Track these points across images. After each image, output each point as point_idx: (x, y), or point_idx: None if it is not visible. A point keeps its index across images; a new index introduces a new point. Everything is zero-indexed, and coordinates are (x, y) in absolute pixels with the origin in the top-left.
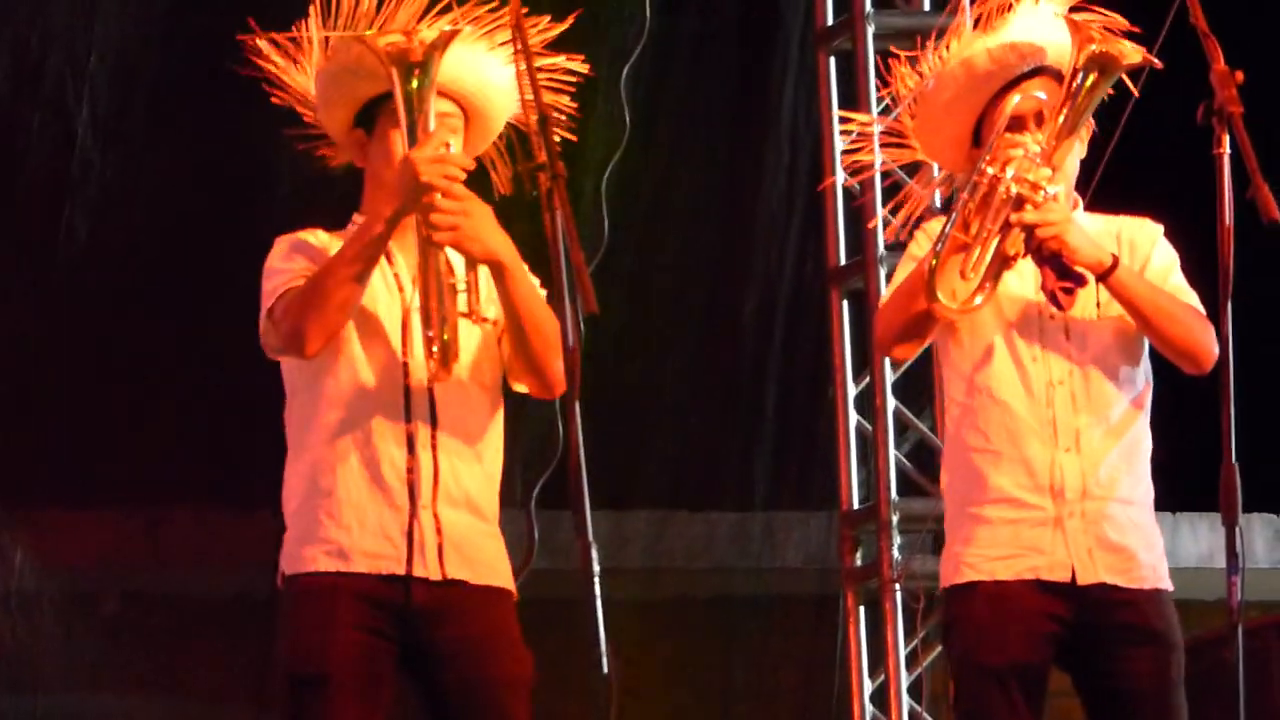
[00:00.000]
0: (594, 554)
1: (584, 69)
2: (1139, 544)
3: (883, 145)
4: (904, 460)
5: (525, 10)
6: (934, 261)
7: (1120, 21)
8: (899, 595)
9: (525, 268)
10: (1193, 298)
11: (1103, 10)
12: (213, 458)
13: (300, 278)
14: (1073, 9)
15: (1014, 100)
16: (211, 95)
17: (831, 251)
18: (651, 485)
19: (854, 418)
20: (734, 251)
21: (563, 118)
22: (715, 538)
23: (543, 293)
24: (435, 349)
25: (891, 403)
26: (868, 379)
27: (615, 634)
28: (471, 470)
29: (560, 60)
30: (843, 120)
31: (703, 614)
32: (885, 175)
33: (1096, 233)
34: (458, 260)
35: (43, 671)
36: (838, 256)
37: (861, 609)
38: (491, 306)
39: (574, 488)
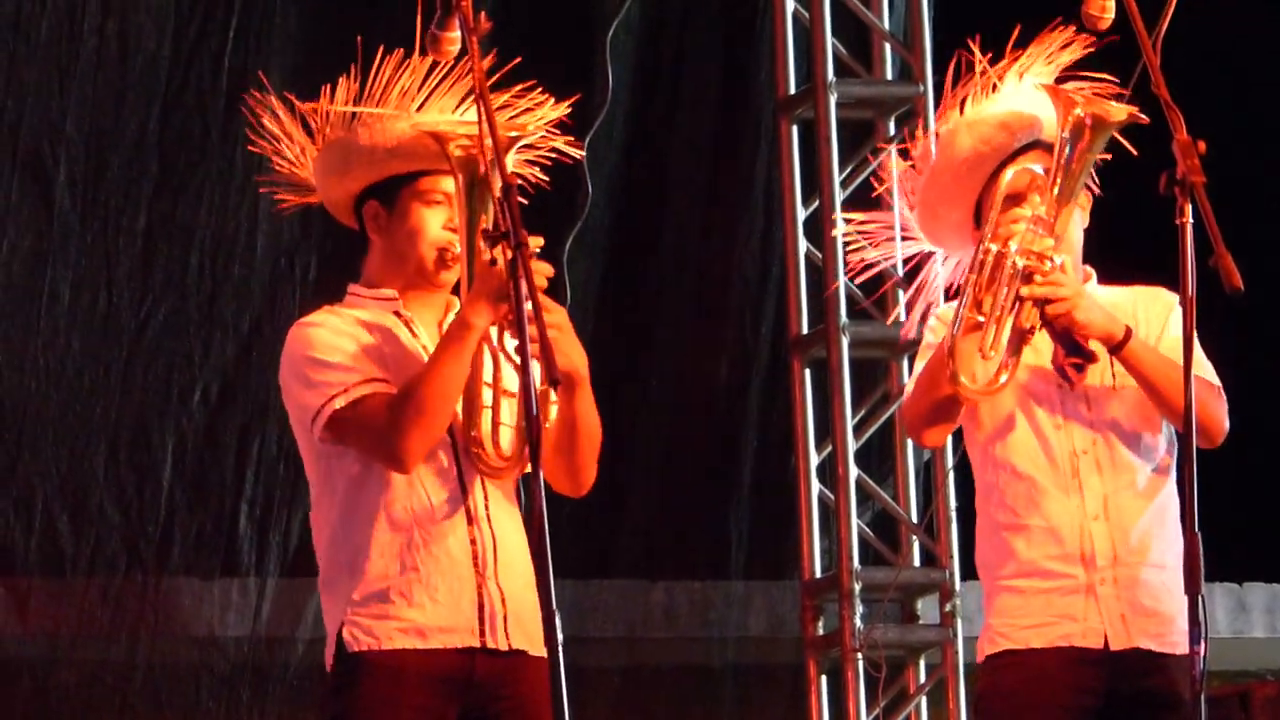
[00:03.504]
0: (558, 623)
1: (578, 154)
2: (1174, 608)
3: (885, 240)
4: (866, 529)
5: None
6: (951, 345)
7: (1109, 84)
8: (861, 664)
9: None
10: (1208, 370)
11: (1090, 75)
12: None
13: (371, 379)
14: (1059, 79)
15: (1008, 175)
16: (191, 154)
17: (794, 320)
18: (624, 554)
19: (816, 487)
20: (708, 318)
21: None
22: (688, 606)
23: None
24: (522, 447)
25: (854, 472)
26: (830, 448)
27: (588, 702)
28: (521, 539)
29: (556, 141)
30: (846, 221)
31: (675, 683)
32: (847, 244)
33: (1111, 304)
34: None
35: None
36: (800, 325)
37: (824, 678)
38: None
39: (537, 556)
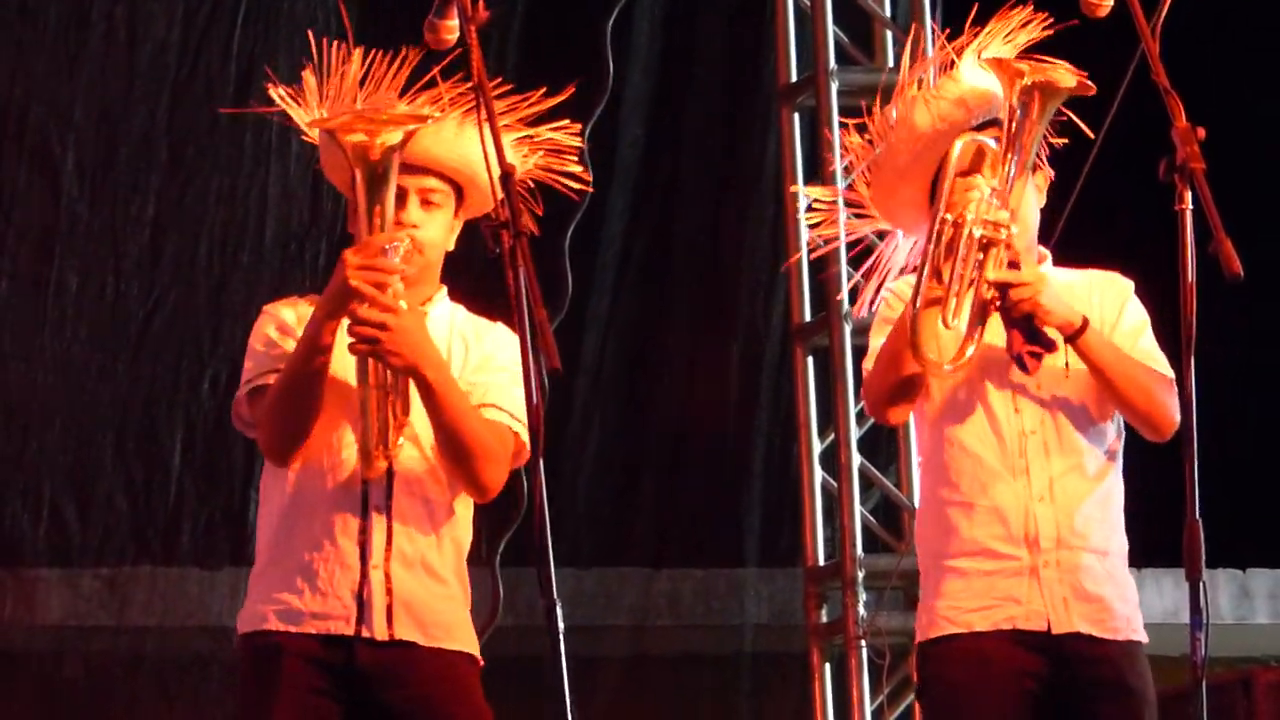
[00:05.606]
0: (558, 612)
1: (576, 142)
2: (1114, 595)
3: (848, 214)
4: (869, 517)
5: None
6: (912, 319)
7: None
8: (864, 651)
9: (450, 379)
10: (1161, 362)
11: (1045, 59)
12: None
13: (272, 370)
14: (1018, 58)
15: (958, 145)
16: (199, 142)
17: (795, 308)
18: (636, 542)
19: (819, 474)
20: (720, 305)
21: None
22: (700, 593)
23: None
24: (363, 449)
25: (856, 459)
26: (832, 436)
27: (600, 690)
28: (429, 534)
29: (552, 132)
30: (807, 196)
31: (689, 671)
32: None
33: (1067, 286)
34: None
35: None
36: (802, 313)
37: (828, 665)
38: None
39: (538, 545)
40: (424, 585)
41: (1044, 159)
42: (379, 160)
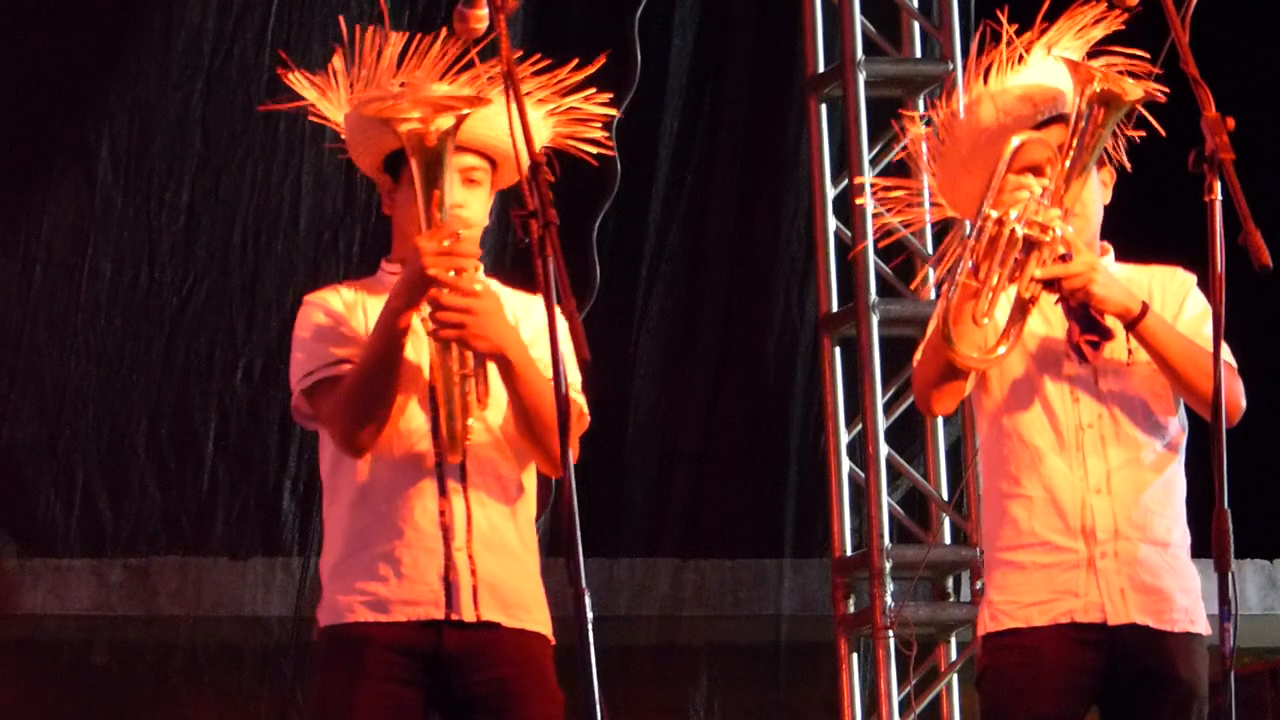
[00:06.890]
0: (587, 601)
1: (613, 112)
2: (1174, 586)
3: (906, 205)
4: (896, 507)
5: (537, 61)
6: (946, 310)
7: (1141, 61)
8: (892, 642)
9: (530, 358)
10: (1225, 350)
11: (1122, 50)
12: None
13: (335, 362)
14: (1091, 54)
15: (1014, 143)
16: (233, 129)
17: (823, 298)
18: (668, 533)
19: (846, 465)
20: (753, 295)
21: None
22: (730, 584)
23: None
24: (445, 434)
25: (884, 450)
26: (860, 426)
27: (630, 680)
28: (504, 513)
29: (585, 105)
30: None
31: (719, 661)
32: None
33: (1127, 281)
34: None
35: None
36: (829, 303)
37: (855, 656)
38: None
39: (567, 535)
40: (503, 564)
41: (1110, 156)
42: (435, 146)
